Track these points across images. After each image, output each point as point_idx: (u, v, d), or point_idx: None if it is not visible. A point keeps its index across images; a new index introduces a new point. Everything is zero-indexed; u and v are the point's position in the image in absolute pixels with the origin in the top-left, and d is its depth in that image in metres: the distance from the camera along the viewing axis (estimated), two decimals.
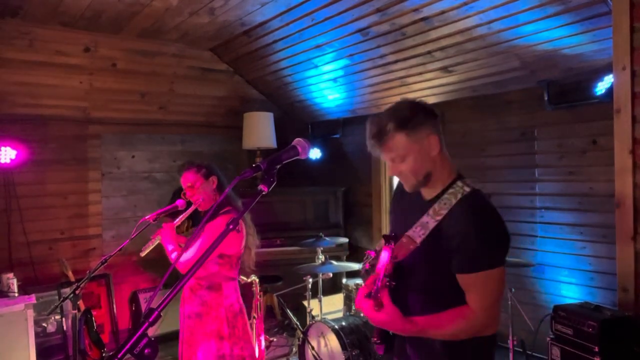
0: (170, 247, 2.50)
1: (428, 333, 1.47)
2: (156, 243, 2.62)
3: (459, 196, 1.47)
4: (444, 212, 1.46)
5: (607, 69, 3.06)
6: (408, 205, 1.63)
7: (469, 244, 1.41)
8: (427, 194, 1.56)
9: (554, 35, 3.14)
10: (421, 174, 1.50)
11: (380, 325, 1.51)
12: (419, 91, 4.41)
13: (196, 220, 2.77)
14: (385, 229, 5.12)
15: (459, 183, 1.51)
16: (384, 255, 1.50)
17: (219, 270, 2.49)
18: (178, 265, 2.32)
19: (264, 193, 1.30)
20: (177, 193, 4.10)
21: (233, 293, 2.57)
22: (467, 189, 1.48)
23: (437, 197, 1.51)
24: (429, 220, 1.48)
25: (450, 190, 1.50)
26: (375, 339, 1.61)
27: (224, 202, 2.49)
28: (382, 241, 1.57)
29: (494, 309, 1.47)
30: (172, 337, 3.96)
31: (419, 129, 1.49)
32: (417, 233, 1.50)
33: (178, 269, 2.26)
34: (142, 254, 2.96)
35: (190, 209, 2.57)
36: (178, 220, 2.62)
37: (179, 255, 2.42)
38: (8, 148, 4.15)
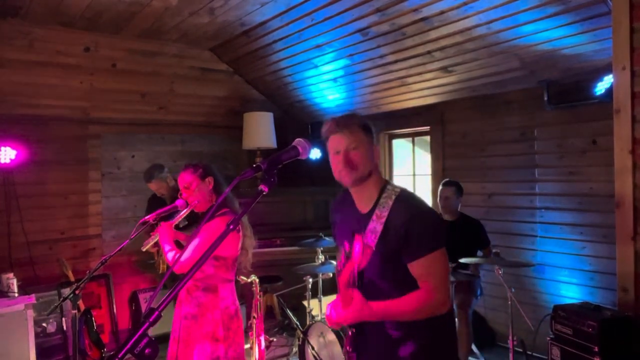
0: (167, 248, 2.50)
1: (391, 315, 1.62)
2: (156, 239, 2.62)
3: (394, 196, 1.67)
4: (386, 213, 1.64)
5: (607, 69, 3.07)
6: (349, 221, 1.79)
7: (414, 231, 1.59)
8: (363, 206, 1.73)
9: (554, 35, 3.14)
10: (367, 168, 1.67)
11: (351, 319, 1.62)
12: (418, 91, 4.41)
13: (192, 220, 2.76)
14: None
15: (389, 187, 1.71)
16: (357, 246, 1.66)
17: (215, 272, 2.49)
18: (174, 266, 2.32)
19: (264, 193, 1.30)
20: (152, 201, 4.10)
21: (229, 295, 2.57)
22: (398, 189, 1.70)
23: (375, 204, 1.68)
24: (376, 225, 1.65)
25: (384, 195, 1.69)
26: (348, 348, 1.74)
27: (221, 204, 2.49)
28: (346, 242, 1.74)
29: (444, 287, 1.62)
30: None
31: (371, 136, 1.72)
32: (370, 239, 1.65)
33: (174, 270, 2.26)
34: (144, 249, 2.96)
35: (187, 209, 2.56)
36: (175, 220, 2.62)
37: (175, 256, 2.42)
38: (8, 148, 4.15)
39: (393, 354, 1.67)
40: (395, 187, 1.72)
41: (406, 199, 1.67)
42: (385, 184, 1.73)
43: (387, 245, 1.62)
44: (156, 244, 3.62)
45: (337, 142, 1.69)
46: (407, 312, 1.60)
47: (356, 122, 1.70)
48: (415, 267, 1.61)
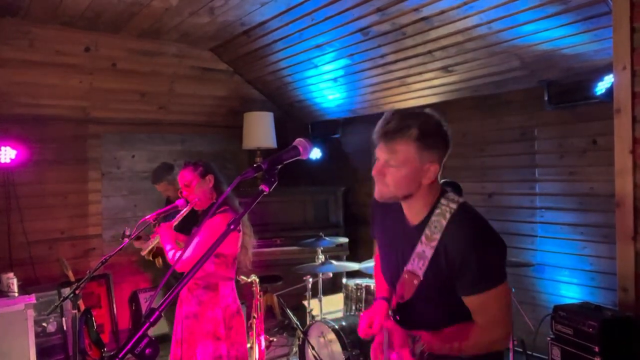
0: (168, 247, 2.50)
1: (440, 348, 1.43)
2: (155, 242, 2.62)
3: (448, 215, 1.41)
4: (438, 236, 1.41)
5: (607, 68, 3.06)
6: (394, 228, 1.57)
7: (471, 265, 1.36)
8: (412, 217, 1.49)
9: (554, 35, 3.14)
10: (402, 191, 1.44)
11: None
12: (419, 91, 4.41)
13: (187, 220, 2.75)
14: None
15: (443, 201, 1.45)
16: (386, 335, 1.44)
17: (216, 270, 2.49)
18: (175, 265, 2.32)
19: (265, 193, 1.30)
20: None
21: (230, 293, 2.57)
22: (454, 205, 1.43)
23: (425, 221, 1.45)
24: (425, 249, 1.42)
25: (437, 211, 1.43)
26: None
27: (221, 202, 2.49)
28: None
29: (503, 323, 1.44)
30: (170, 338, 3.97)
31: (430, 151, 1.41)
32: (417, 266, 1.44)
33: (175, 269, 2.26)
34: (143, 253, 2.96)
35: (187, 207, 2.56)
36: (175, 220, 2.62)
37: (176, 255, 2.43)
38: (8, 148, 4.15)
39: None
40: (452, 200, 1.45)
41: (464, 219, 1.42)
42: (439, 195, 1.46)
43: (438, 275, 1.41)
44: (150, 251, 3.60)
45: (379, 150, 1.45)
46: (455, 348, 1.42)
47: (410, 135, 1.39)
48: (471, 302, 1.41)
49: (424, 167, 1.41)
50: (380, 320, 1.56)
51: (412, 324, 1.47)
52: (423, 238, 1.43)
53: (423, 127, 1.40)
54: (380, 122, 1.45)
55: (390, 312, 1.52)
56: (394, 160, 1.41)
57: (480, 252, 1.37)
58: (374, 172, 1.46)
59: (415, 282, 1.44)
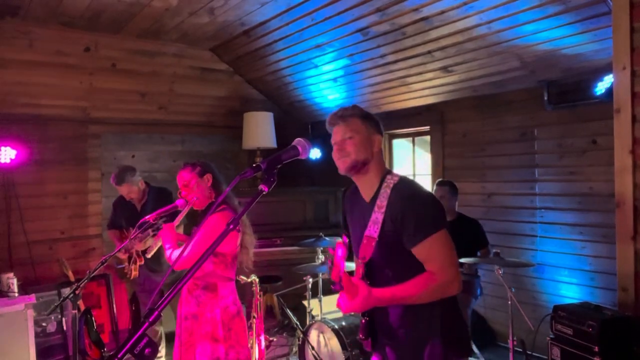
0: (167, 246, 2.50)
1: (398, 299, 1.63)
2: (159, 244, 2.62)
3: (392, 185, 1.71)
4: (385, 202, 1.68)
5: (607, 68, 3.07)
6: (357, 212, 1.83)
7: (410, 217, 1.62)
8: (366, 194, 1.78)
9: (554, 35, 3.14)
10: (361, 156, 1.71)
11: (360, 307, 1.61)
12: (418, 91, 4.41)
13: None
14: None
15: (388, 176, 1.74)
16: (339, 251, 1.64)
17: (214, 269, 2.48)
18: (173, 263, 2.32)
19: (264, 193, 1.30)
20: (118, 204, 4.01)
21: (229, 294, 2.55)
22: (396, 177, 1.73)
23: (376, 194, 1.73)
24: (377, 215, 1.69)
25: (384, 185, 1.72)
26: (361, 336, 1.79)
27: (220, 201, 2.48)
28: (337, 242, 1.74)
29: (450, 267, 1.62)
30: (170, 338, 3.97)
31: (370, 125, 1.77)
32: (373, 230, 1.69)
33: (172, 267, 2.26)
34: (148, 255, 2.96)
35: (186, 207, 2.56)
36: (177, 220, 2.62)
37: (173, 253, 2.43)
38: (8, 148, 4.15)
39: (403, 337, 1.71)
40: (395, 175, 1.75)
41: (402, 186, 1.71)
42: (385, 173, 1.76)
43: (389, 234, 1.65)
44: (127, 250, 3.60)
45: (335, 134, 1.76)
46: (414, 296, 1.60)
47: (355, 113, 1.76)
48: (418, 252, 1.63)
49: (371, 136, 1.75)
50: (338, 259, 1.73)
51: (376, 281, 1.68)
52: (375, 207, 1.71)
53: (360, 109, 1.80)
54: (333, 114, 1.78)
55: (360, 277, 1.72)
56: (349, 133, 1.72)
57: (415, 207, 1.64)
58: (335, 151, 1.75)
59: (373, 243, 1.69)
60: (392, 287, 1.62)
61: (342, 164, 1.74)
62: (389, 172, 1.78)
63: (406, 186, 1.72)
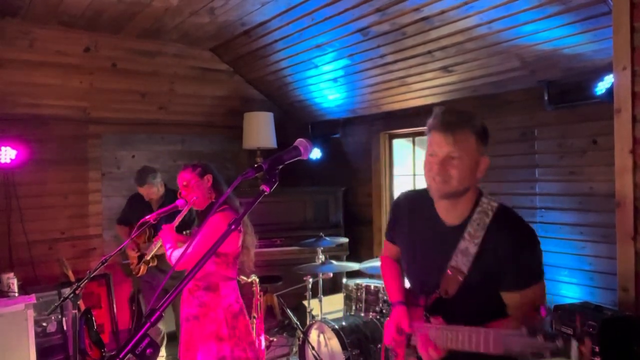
0: (167, 246, 2.51)
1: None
2: (159, 245, 2.63)
3: (491, 214, 1.45)
4: (481, 233, 1.43)
5: (607, 68, 3.06)
6: (424, 231, 1.58)
7: (516, 261, 1.40)
8: (451, 218, 1.52)
9: (554, 35, 3.14)
10: (463, 184, 1.44)
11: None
12: (419, 91, 4.41)
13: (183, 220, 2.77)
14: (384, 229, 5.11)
15: (484, 200, 1.49)
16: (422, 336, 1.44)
17: (216, 270, 2.48)
18: (175, 264, 2.32)
19: (265, 193, 1.30)
20: (133, 200, 4.03)
21: (232, 293, 2.56)
22: (495, 204, 1.48)
23: (467, 220, 1.48)
24: (469, 246, 1.44)
25: (479, 209, 1.47)
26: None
27: (221, 201, 2.49)
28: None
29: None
30: (171, 337, 3.97)
31: (483, 144, 1.47)
32: (461, 262, 1.45)
33: (174, 267, 2.26)
34: (148, 257, 2.97)
35: (186, 207, 2.56)
36: (176, 220, 2.62)
37: (173, 253, 2.43)
38: (8, 148, 4.15)
39: None
40: (492, 200, 1.50)
41: (506, 218, 1.47)
42: (479, 196, 1.51)
43: (483, 270, 1.43)
44: (139, 249, 3.62)
45: (438, 143, 1.44)
46: None
47: (472, 127, 1.44)
48: (511, 298, 1.44)
49: (479, 159, 1.45)
50: (407, 323, 1.56)
51: (453, 320, 1.47)
52: (466, 235, 1.45)
53: (481, 122, 1.47)
54: (437, 116, 1.45)
55: (424, 313, 1.52)
56: (457, 152, 1.41)
57: (525, 250, 1.41)
58: (432, 166, 1.44)
59: (460, 277, 1.45)
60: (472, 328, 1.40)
61: (436, 187, 1.46)
62: (482, 193, 1.52)
63: (512, 219, 1.47)
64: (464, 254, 1.45)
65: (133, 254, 3.73)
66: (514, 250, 1.41)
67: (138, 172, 3.82)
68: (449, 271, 1.48)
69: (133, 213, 3.89)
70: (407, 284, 1.76)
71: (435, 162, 1.44)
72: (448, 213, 1.53)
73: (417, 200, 1.63)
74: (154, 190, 3.78)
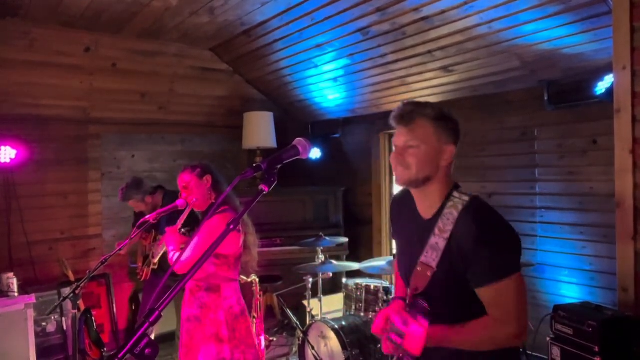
0: (170, 248, 2.50)
1: (451, 342, 1.43)
2: (164, 249, 2.62)
3: (460, 207, 1.43)
4: (450, 227, 1.41)
5: (607, 68, 3.06)
6: (409, 227, 1.58)
7: (482, 255, 1.37)
8: (425, 211, 1.52)
9: (554, 35, 3.14)
10: (423, 172, 1.45)
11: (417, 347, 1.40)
12: (419, 91, 4.41)
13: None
14: (385, 229, 5.12)
15: (456, 194, 1.47)
16: (411, 327, 1.41)
17: (217, 271, 2.48)
18: (175, 266, 2.32)
19: (264, 193, 1.30)
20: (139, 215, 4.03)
21: (233, 294, 2.54)
22: (466, 198, 1.44)
23: (438, 214, 1.46)
24: (438, 241, 1.43)
25: (449, 204, 1.45)
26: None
27: (221, 202, 2.48)
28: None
29: (517, 318, 1.40)
30: (171, 338, 3.97)
31: (446, 132, 1.49)
32: (430, 257, 1.44)
33: (174, 270, 2.26)
34: (154, 260, 2.97)
35: (187, 208, 2.55)
36: (179, 222, 2.61)
37: (175, 256, 2.43)
38: (8, 148, 4.15)
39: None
40: (464, 194, 1.46)
41: (475, 210, 1.42)
42: (452, 189, 1.49)
43: (451, 266, 1.41)
44: (146, 250, 3.63)
45: (397, 136, 1.48)
46: (469, 341, 1.42)
47: (427, 115, 1.46)
48: (483, 294, 1.40)
49: (441, 147, 1.47)
50: (395, 316, 1.53)
51: (429, 317, 1.45)
52: (436, 230, 1.44)
53: (437, 109, 1.49)
54: (395, 110, 1.49)
55: (405, 307, 1.50)
56: (413, 140, 1.44)
57: (492, 243, 1.37)
58: (393, 157, 1.49)
59: (429, 273, 1.44)
60: (446, 328, 1.41)
61: (398, 175, 1.48)
62: (457, 187, 1.50)
63: (479, 211, 1.43)
64: (434, 249, 1.43)
65: (140, 256, 3.76)
66: (476, 242, 1.36)
67: (120, 189, 3.80)
68: (418, 267, 1.47)
69: (137, 218, 3.96)
70: None
71: (396, 151, 1.49)
72: (421, 205, 1.53)
73: (406, 196, 1.62)
74: (139, 205, 3.78)
